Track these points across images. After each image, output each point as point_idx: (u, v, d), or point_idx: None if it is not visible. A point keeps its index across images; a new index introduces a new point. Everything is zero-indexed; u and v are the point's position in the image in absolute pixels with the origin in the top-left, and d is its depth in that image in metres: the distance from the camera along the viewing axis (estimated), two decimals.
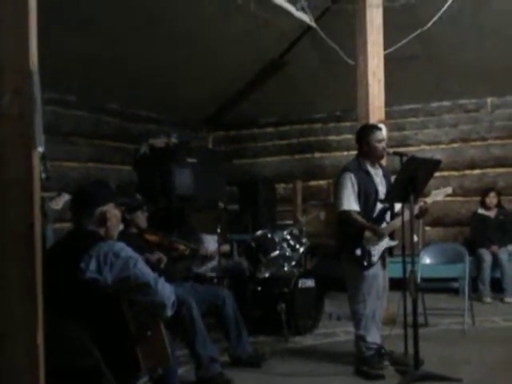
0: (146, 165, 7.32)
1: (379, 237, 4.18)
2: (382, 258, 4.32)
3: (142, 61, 6.43)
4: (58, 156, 6.38)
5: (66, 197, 4.72)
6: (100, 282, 2.55)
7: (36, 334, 2.44)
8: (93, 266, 2.56)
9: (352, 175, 4.21)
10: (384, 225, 4.26)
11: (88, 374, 2.54)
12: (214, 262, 5.51)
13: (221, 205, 5.57)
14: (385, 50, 5.92)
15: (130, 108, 7.68)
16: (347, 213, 4.20)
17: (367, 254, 4.19)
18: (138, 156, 7.42)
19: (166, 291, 2.63)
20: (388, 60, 5.92)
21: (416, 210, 4.33)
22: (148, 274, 2.62)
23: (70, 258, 2.63)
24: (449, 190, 4.59)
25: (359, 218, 4.18)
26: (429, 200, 4.40)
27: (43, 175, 2.64)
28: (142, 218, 4.45)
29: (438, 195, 4.47)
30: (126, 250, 2.65)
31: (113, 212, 2.84)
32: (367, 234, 4.19)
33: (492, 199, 7.17)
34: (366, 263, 4.19)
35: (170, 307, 2.64)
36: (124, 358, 2.59)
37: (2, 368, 2.50)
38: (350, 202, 4.19)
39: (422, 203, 4.35)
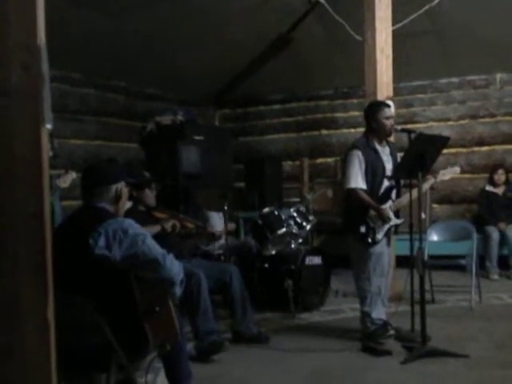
0: (152, 142, 7.30)
1: (384, 219, 4.17)
2: (387, 235, 4.33)
3: (147, 38, 6.39)
4: (64, 134, 6.38)
5: (73, 175, 4.73)
6: (109, 259, 2.57)
7: (46, 310, 2.46)
8: (102, 242, 2.58)
9: (360, 153, 4.20)
10: (390, 202, 4.26)
11: (98, 350, 2.57)
12: (221, 240, 5.52)
13: (221, 185, 5.56)
14: (393, 25, 5.85)
15: (136, 85, 7.65)
16: (354, 191, 4.20)
17: (372, 232, 4.21)
18: (144, 133, 7.39)
19: (175, 267, 2.65)
20: (396, 36, 5.85)
21: (427, 187, 4.34)
22: (156, 250, 2.64)
23: (79, 234, 2.65)
24: (457, 169, 4.58)
25: (366, 197, 4.18)
26: (437, 179, 4.39)
27: (50, 153, 2.64)
28: (150, 196, 4.45)
29: (445, 175, 4.46)
30: (135, 227, 2.66)
31: (124, 190, 2.87)
32: (372, 212, 4.19)
33: (500, 176, 7.14)
34: (370, 240, 4.20)
35: (178, 284, 2.65)
36: (133, 334, 2.61)
37: (13, 345, 2.52)
38: (358, 180, 4.18)
39: (433, 180, 4.35)
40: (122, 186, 2.85)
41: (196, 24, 6.43)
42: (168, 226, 4.14)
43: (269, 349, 4.30)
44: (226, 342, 4.09)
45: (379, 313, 4.28)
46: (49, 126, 2.38)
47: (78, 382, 2.76)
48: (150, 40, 6.44)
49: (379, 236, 4.22)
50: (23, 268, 2.48)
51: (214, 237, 5.37)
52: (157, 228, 4.08)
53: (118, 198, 2.82)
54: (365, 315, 4.28)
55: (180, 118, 7.56)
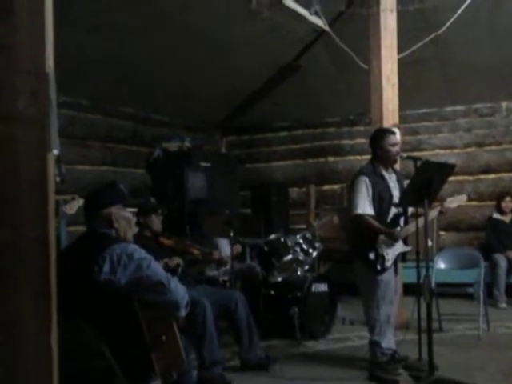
0: (159, 168, 7.33)
1: (395, 239, 4.15)
2: (395, 263, 4.30)
3: (155, 64, 6.46)
4: (72, 159, 6.42)
5: (80, 201, 4.74)
6: (114, 283, 2.56)
7: (49, 335, 2.45)
8: (107, 267, 2.57)
9: (367, 179, 4.20)
10: (398, 229, 4.24)
11: (100, 376, 2.55)
12: (227, 266, 5.50)
13: (227, 211, 5.56)
14: (399, 53, 5.91)
15: (144, 112, 7.71)
16: (362, 217, 4.18)
17: (381, 259, 4.17)
18: (151, 159, 7.43)
19: (180, 291, 2.63)
20: (402, 64, 5.90)
21: (435, 214, 4.32)
22: (161, 273, 2.63)
23: (83, 259, 2.64)
24: (463, 197, 4.57)
25: (374, 222, 4.16)
26: (444, 206, 4.38)
27: (58, 178, 2.64)
28: (156, 222, 4.46)
29: (452, 202, 4.44)
30: (140, 252, 2.66)
31: (120, 213, 2.83)
32: (381, 238, 4.17)
33: (508, 203, 7.11)
34: (379, 267, 4.17)
35: (183, 307, 2.64)
36: (137, 361, 2.59)
37: (15, 370, 2.51)
38: (365, 206, 4.17)
39: (439, 207, 4.33)
40: (115, 210, 2.80)
41: (204, 50, 6.50)
42: (172, 263, 4.13)
43: (274, 377, 4.25)
44: (230, 379, 4.05)
45: (389, 342, 4.23)
46: (55, 152, 2.40)
47: None
48: (158, 67, 6.52)
49: (388, 263, 4.19)
50: (26, 293, 2.47)
51: (222, 262, 5.35)
52: (160, 264, 4.07)
53: (110, 222, 2.78)
54: (374, 344, 4.23)
55: (187, 144, 7.60)
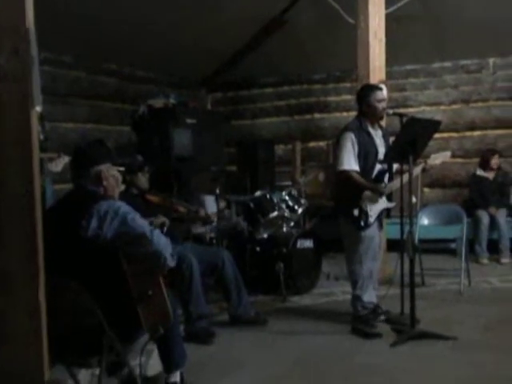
0: (144, 126, 7.29)
1: (380, 195, 4.19)
2: (379, 219, 4.35)
3: (139, 20, 6.33)
4: (56, 117, 6.34)
5: (65, 159, 4.72)
6: (100, 238, 2.59)
7: (38, 292, 2.48)
8: (94, 223, 2.60)
9: (353, 135, 4.20)
10: (382, 186, 4.27)
11: (90, 333, 2.59)
12: (213, 224, 5.53)
13: (213, 168, 5.55)
14: (386, 8, 5.83)
15: (128, 68, 7.60)
16: (347, 173, 4.19)
17: (364, 215, 4.21)
18: (136, 117, 7.38)
19: (162, 241, 2.68)
20: (389, 19, 5.84)
21: (418, 171, 4.35)
22: (143, 226, 2.67)
23: (70, 216, 2.66)
24: (448, 154, 4.60)
25: (359, 178, 4.18)
26: (428, 163, 4.40)
27: (41, 136, 2.64)
28: (142, 179, 4.45)
29: (436, 159, 4.46)
30: (125, 207, 2.70)
31: (110, 172, 2.85)
32: (366, 194, 4.20)
33: (496, 161, 7.15)
34: (362, 224, 4.21)
35: (168, 257, 2.67)
36: (125, 317, 2.62)
37: (5, 327, 2.54)
38: (351, 162, 4.18)
39: (423, 164, 4.36)
40: (105, 168, 2.83)
41: (188, 6, 6.38)
42: (157, 222, 4.14)
43: (260, 331, 4.34)
44: (215, 331, 4.12)
45: (370, 296, 4.31)
46: (38, 109, 2.39)
47: (71, 364, 2.78)
48: (142, 22, 6.39)
49: (371, 219, 4.23)
50: (14, 251, 2.49)
51: (208, 219, 5.38)
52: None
53: (99, 180, 2.80)
54: (356, 299, 4.31)
55: (172, 101, 7.54)
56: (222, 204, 5.52)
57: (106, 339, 2.57)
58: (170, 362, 3.08)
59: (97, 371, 2.73)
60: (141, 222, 2.68)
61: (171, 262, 2.70)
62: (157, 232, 2.69)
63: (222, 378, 3.48)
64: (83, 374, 2.93)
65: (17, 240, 2.51)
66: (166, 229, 4.13)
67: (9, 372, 2.55)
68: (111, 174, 2.85)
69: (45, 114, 2.75)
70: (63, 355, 2.68)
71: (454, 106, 8.05)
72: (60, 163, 4.74)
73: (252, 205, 5.58)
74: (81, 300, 2.53)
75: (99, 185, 2.81)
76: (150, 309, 2.62)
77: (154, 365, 3.22)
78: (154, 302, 2.64)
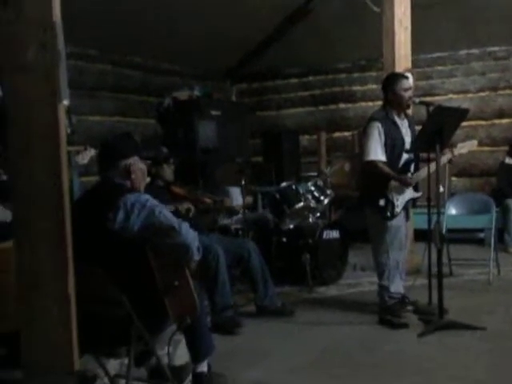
0: (169, 118, 7.33)
1: (407, 186, 4.15)
2: (406, 208, 4.32)
3: (164, 12, 6.35)
4: (82, 110, 6.41)
5: (92, 151, 4.76)
6: (127, 230, 2.61)
7: (67, 284, 2.51)
8: (121, 215, 2.62)
9: (379, 125, 4.16)
10: (409, 176, 4.23)
11: (118, 322, 2.62)
12: (239, 215, 5.55)
13: (238, 160, 5.54)
14: None
15: (152, 61, 7.64)
16: (374, 163, 4.16)
17: (390, 205, 4.19)
18: (161, 109, 7.42)
19: (190, 234, 2.68)
20: (415, 7, 5.76)
21: (445, 160, 4.30)
22: (172, 219, 2.68)
23: (97, 209, 2.68)
24: (474, 143, 4.54)
25: (386, 168, 4.15)
26: (455, 152, 4.35)
27: (68, 129, 2.66)
28: (168, 171, 4.48)
29: (463, 148, 4.41)
30: (152, 200, 2.71)
31: (138, 165, 2.88)
32: (392, 184, 4.17)
33: None
34: (389, 214, 4.19)
35: (195, 251, 2.68)
36: (152, 308, 2.65)
37: (34, 319, 2.58)
38: (377, 152, 4.15)
39: (450, 154, 4.31)
40: (133, 161, 2.85)
41: None
42: (183, 208, 4.16)
43: (286, 322, 4.34)
44: (241, 321, 4.14)
45: (397, 287, 4.29)
46: (66, 102, 2.41)
47: (100, 354, 2.82)
48: (166, 15, 6.41)
49: (398, 209, 4.21)
50: (43, 242, 2.52)
51: (231, 210, 5.39)
52: (170, 208, 4.11)
53: (128, 173, 2.82)
54: (383, 289, 4.29)
55: (197, 93, 7.56)
56: (250, 199, 5.51)
57: (134, 329, 2.60)
58: (197, 352, 3.10)
59: (125, 361, 2.77)
60: (169, 215, 2.69)
61: (197, 256, 2.71)
62: (185, 225, 2.69)
63: (249, 367, 3.49)
64: (112, 364, 2.97)
65: (45, 233, 2.54)
66: (191, 214, 4.15)
67: (39, 363, 2.59)
68: (139, 167, 2.88)
69: (71, 108, 2.77)
70: (92, 345, 2.72)
71: (482, 94, 7.93)
72: (87, 156, 4.79)
73: (278, 196, 5.58)
74: (108, 290, 2.56)
75: (127, 178, 2.83)
76: (176, 300, 2.64)
77: (181, 355, 3.25)
78: (180, 293, 2.66)
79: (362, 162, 4.29)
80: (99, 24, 6.03)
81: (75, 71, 6.28)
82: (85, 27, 5.70)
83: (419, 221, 5.18)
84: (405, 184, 4.16)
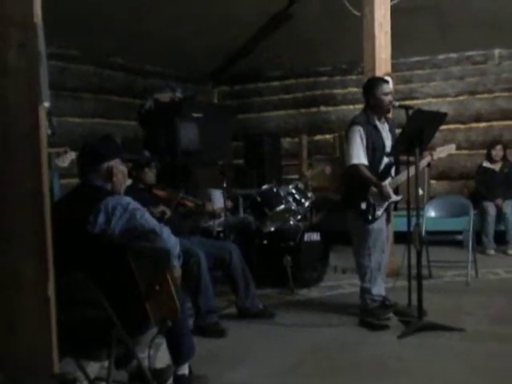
0: (151, 120, 7.31)
1: (384, 195, 4.19)
2: (387, 211, 4.35)
3: (145, 14, 6.34)
4: (63, 112, 6.36)
5: (72, 154, 4.73)
6: (108, 233, 2.60)
7: (47, 287, 2.49)
8: (102, 218, 2.60)
9: (361, 128, 4.20)
10: (389, 179, 4.27)
11: (99, 325, 2.60)
12: (221, 217, 5.55)
13: (220, 162, 5.54)
14: (391, 0, 5.81)
15: (135, 62, 7.61)
16: (356, 167, 4.19)
17: (372, 208, 4.22)
18: (143, 111, 7.39)
19: (171, 240, 2.68)
20: (395, 11, 5.82)
21: (425, 163, 4.35)
22: (154, 222, 2.67)
23: (78, 212, 2.67)
24: (452, 147, 4.61)
25: (368, 173, 4.18)
26: (434, 156, 4.41)
27: (49, 131, 2.64)
28: (149, 175, 4.47)
29: (442, 152, 4.48)
30: (133, 203, 2.70)
31: (119, 168, 2.86)
32: (373, 188, 4.21)
33: (498, 152, 7.13)
34: (370, 217, 4.22)
35: (175, 256, 2.68)
36: (133, 311, 2.64)
37: (14, 322, 2.56)
38: (360, 156, 4.18)
39: (429, 158, 4.36)
40: (115, 164, 2.83)
41: (195, 1, 6.38)
42: (156, 211, 4.15)
43: (268, 324, 4.35)
44: (225, 329, 4.14)
45: (379, 289, 4.32)
46: (46, 104, 2.39)
47: (80, 357, 2.80)
48: (149, 17, 6.40)
49: (379, 212, 4.24)
50: (23, 245, 2.50)
51: (214, 214, 5.38)
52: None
53: (109, 175, 2.81)
54: (364, 291, 4.31)
55: (178, 95, 7.55)
56: (229, 203, 5.51)
57: (114, 332, 2.59)
58: (179, 354, 3.10)
59: (105, 364, 2.75)
60: (150, 219, 2.68)
61: (177, 262, 2.71)
62: (167, 229, 2.69)
63: (230, 370, 3.50)
64: (92, 367, 2.95)
65: (25, 236, 2.52)
66: (166, 217, 4.13)
67: (19, 365, 2.57)
68: (120, 170, 2.86)
69: (52, 109, 2.75)
70: (72, 348, 2.70)
71: (460, 98, 8.03)
72: (67, 159, 4.76)
73: (259, 198, 5.58)
74: (88, 293, 2.55)
75: (108, 180, 2.81)
76: (157, 303, 2.63)
77: (162, 357, 3.24)
78: (161, 296, 2.65)
79: (345, 166, 4.32)
80: (81, 24, 5.99)
81: (56, 72, 6.24)
82: (66, 28, 5.66)
83: (399, 223, 5.23)
84: (382, 193, 4.19)
